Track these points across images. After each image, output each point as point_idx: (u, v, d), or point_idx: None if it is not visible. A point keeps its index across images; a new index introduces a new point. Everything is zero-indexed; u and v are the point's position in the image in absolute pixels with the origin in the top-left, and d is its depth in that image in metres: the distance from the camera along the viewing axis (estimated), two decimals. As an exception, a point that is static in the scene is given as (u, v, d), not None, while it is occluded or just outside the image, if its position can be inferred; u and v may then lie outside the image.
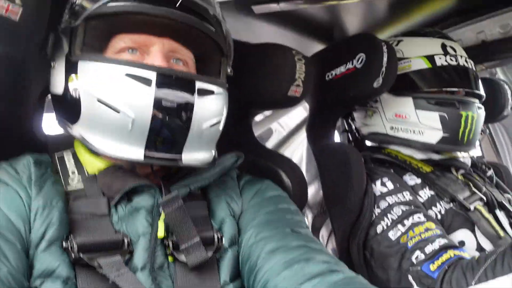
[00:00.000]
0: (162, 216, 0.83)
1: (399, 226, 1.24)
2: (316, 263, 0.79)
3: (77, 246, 0.75)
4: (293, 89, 1.18)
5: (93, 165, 0.89)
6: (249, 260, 0.86)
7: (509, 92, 1.90)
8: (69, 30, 0.84)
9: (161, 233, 0.82)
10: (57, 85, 0.87)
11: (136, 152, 0.80)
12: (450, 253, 1.14)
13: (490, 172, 1.64)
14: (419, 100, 1.47)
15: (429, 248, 1.16)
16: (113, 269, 0.75)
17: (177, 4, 0.82)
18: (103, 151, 0.81)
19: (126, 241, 0.79)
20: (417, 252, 1.16)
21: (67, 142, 0.96)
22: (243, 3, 1.42)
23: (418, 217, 1.25)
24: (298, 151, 2.41)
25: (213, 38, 0.92)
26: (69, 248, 0.75)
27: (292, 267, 0.78)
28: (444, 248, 1.15)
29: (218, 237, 0.87)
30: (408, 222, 1.24)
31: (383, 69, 1.35)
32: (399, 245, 1.21)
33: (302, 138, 2.34)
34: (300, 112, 2.47)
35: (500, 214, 1.38)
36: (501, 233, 1.29)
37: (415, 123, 1.47)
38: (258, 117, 2.51)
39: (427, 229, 1.20)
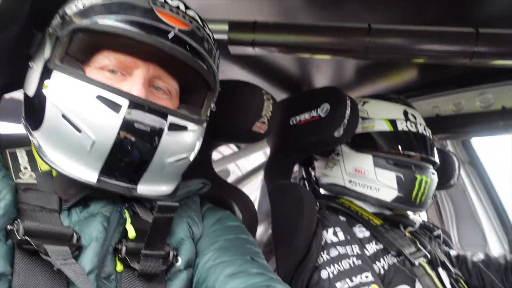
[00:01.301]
0: (128, 220, 0.82)
1: (347, 280, 1.25)
2: None
3: (24, 229, 0.70)
4: (258, 125, 1.19)
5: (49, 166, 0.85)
6: (206, 282, 0.85)
7: (456, 163, 2.03)
8: (55, 37, 0.82)
9: (132, 233, 0.81)
10: (30, 87, 0.84)
11: (89, 175, 0.78)
12: None
13: (438, 232, 1.71)
14: (379, 159, 1.54)
15: None
16: (60, 256, 0.70)
17: (170, 36, 0.81)
18: (57, 167, 0.78)
19: (75, 236, 0.75)
20: None
21: (21, 142, 0.91)
22: (219, 43, 1.46)
23: (366, 276, 1.26)
24: (253, 192, 2.40)
25: (202, 74, 0.90)
26: (15, 230, 0.70)
27: None
28: None
29: (174, 254, 0.85)
30: (356, 280, 1.24)
31: (345, 120, 1.41)
32: None
33: (258, 181, 2.34)
34: (259, 157, 2.50)
35: (442, 273, 1.44)
36: None
37: (372, 179, 1.53)
38: (216, 156, 2.51)
39: None
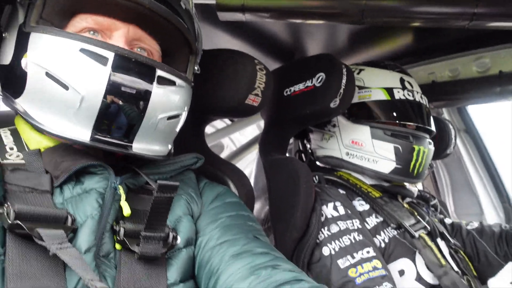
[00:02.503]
0: (123, 197, 0.79)
1: (349, 257, 1.23)
2: (283, 271, 0.77)
3: (14, 213, 0.66)
4: (251, 97, 1.14)
5: (37, 142, 0.81)
6: (209, 263, 0.83)
7: (452, 131, 2.00)
8: (27, 2, 0.78)
9: (127, 211, 0.77)
10: (5, 56, 0.80)
11: (82, 133, 0.74)
12: None
13: (435, 201, 1.70)
14: (376, 130, 1.50)
15: None
16: (55, 241, 0.66)
17: None
18: (46, 129, 0.74)
19: (70, 218, 0.72)
20: None
21: (4, 122, 0.87)
22: (209, 9, 1.39)
23: (367, 251, 1.24)
24: (248, 166, 2.37)
25: (183, 32, 0.88)
26: (5, 214, 0.66)
27: (260, 273, 0.76)
28: None
29: (173, 236, 0.82)
30: (357, 256, 1.23)
31: (341, 90, 1.37)
32: (348, 277, 1.20)
33: (252, 155, 2.30)
34: (253, 130, 2.45)
35: (441, 243, 1.42)
36: (443, 261, 1.31)
37: (370, 151, 1.50)
38: (209, 130, 2.46)
39: (374, 268, 1.20)
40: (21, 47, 0.76)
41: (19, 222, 0.66)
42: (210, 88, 1.17)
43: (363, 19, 1.34)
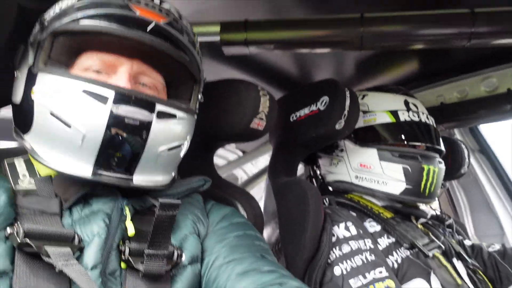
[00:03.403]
0: (128, 217, 0.82)
1: (360, 277, 1.21)
2: None
3: (24, 232, 0.69)
4: (256, 121, 1.17)
5: (48, 170, 0.84)
6: (216, 281, 0.84)
7: (465, 151, 1.98)
8: (37, 43, 0.83)
9: (131, 231, 0.80)
10: (17, 95, 0.85)
11: (84, 169, 0.78)
12: None
13: (450, 221, 1.67)
14: (384, 152, 1.50)
15: None
16: (61, 258, 0.69)
17: (149, 28, 0.82)
18: (50, 165, 0.78)
19: (77, 237, 0.75)
20: None
21: (20, 153, 0.92)
22: (212, 45, 1.46)
23: (380, 271, 1.22)
24: (259, 192, 2.38)
25: (185, 65, 0.92)
26: (15, 233, 0.70)
27: None
28: None
29: (178, 254, 0.84)
30: (369, 276, 1.21)
31: (345, 112, 1.39)
32: None
33: (263, 181, 2.32)
34: (265, 161, 2.48)
35: (458, 264, 1.39)
36: (459, 281, 1.27)
37: (379, 173, 1.50)
38: (221, 162, 2.50)
39: None
40: (29, 87, 0.80)
41: (28, 240, 0.69)
42: (215, 114, 1.21)
43: (362, 45, 1.38)
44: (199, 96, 0.99)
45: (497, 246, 1.66)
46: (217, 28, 1.42)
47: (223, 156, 2.48)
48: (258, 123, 1.18)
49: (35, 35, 0.85)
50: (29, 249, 0.70)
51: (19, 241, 0.69)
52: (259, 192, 2.38)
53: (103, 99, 0.76)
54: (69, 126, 0.76)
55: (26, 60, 0.85)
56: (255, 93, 1.17)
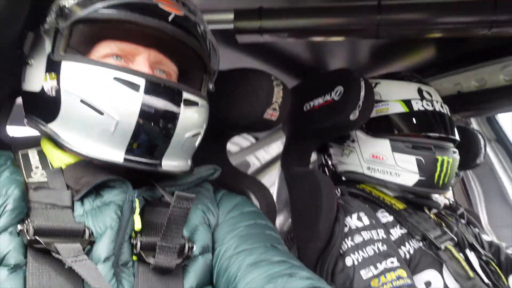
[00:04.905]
0: (137, 210, 0.82)
1: (372, 267, 1.21)
2: (299, 278, 0.77)
3: (34, 229, 0.71)
4: (269, 112, 1.17)
5: (60, 160, 0.86)
6: (227, 272, 0.85)
7: (482, 142, 1.95)
8: (54, 31, 0.83)
9: (138, 225, 0.81)
10: (34, 83, 0.85)
11: (115, 155, 0.80)
12: None
13: (461, 210, 1.65)
14: (396, 142, 1.48)
15: None
16: (71, 254, 0.70)
17: (170, 19, 0.84)
18: (80, 151, 0.79)
19: (87, 231, 0.76)
20: None
21: (34, 143, 0.93)
22: (226, 33, 1.44)
23: (391, 261, 1.22)
24: (271, 179, 2.39)
25: (199, 54, 0.94)
26: (25, 230, 0.71)
27: (276, 281, 0.77)
28: None
29: (188, 247, 0.84)
30: (381, 266, 1.21)
31: (360, 102, 1.37)
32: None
33: (276, 169, 2.32)
34: (277, 147, 2.47)
35: (471, 255, 1.38)
36: (471, 273, 1.27)
37: (392, 165, 1.48)
38: (234, 149, 2.50)
39: (398, 277, 1.18)
40: (53, 75, 0.80)
41: (37, 237, 0.70)
42: (228, 104, 1.21)
43: (379, 33, 1.36)
44: (211, 86, 1.00)
45: None
46: (230, 16, 1.41)
47: (236, 142, 2.48)
48: (272, 114, 1.18)
49: (52, 22, 0.84)
50: (39, 246, 0.71)
51: (28, 238, 0.70)
52: (271, 179, 2.39)
53: (135, 87, 0.78)
54: (101, 113, 0.77)
55: (40, 48, 0.85)
56: (268, 83, 1.16)
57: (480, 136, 1.95)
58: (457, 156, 1.52)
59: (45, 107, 0.83)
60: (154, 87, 0.79)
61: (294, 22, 1.41)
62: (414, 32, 1.39)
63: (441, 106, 1.53)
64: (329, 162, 1.75)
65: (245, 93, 1.18)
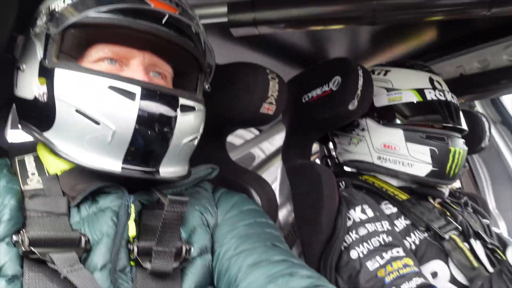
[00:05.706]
0: (132, 216, 0.82)
1: (378, 258, 1.21)
2: (300, 277, 0.77)
3: (28, 240, 0.71)
4: (265, 106, 1.16)
5: (56, 166, 0.86)
6: (228, 273, 0.85)
7: (486, 124, 1.92)
8: (45, 36, 0.81)
9: (132, 232, 0.80)
10: (26, 90, 0.84)
11: (113, 164, 0.79)
12: None
13: (465, 199, 1.63)
14: (410, 132, 1.45)
15: (405, 286, 1.13)
16: (66, 264, 0.71)
17: (163, 21, 0.82)
18: (78, 161, 0.79)
19: (83, 239, 0.76)
20: None
21: (31, 149, 0.93)
22: (222, 26, 1.42)
23: (397, 251, 1.22)
24: (274, 173, 2.38)
25: (194, 55, 0.92)
26: (20, 241, 0.71)
27: (277, 281, 0.76)
28: None
29: (186, 249, 0.84)
30: (387, 256, 1.21)
31: (359, 92, 1.35)
32: (377, 278, 1.18)
33: (278, 161, 2.32)
34: (281, 138, 2.46)
35: (476, 244, 1.36)
36: (475, 264, 1.26)
37: (404, 155, 1.45)
38: (238, 141, 2.50)
39: (405, 265, 1.18)
40: (46, 83, 0.79)
41: (32, 248, 0.70)
42: (225, 100, 1.20)
43: (375, 19, 1.33)
44: (206, 86, 0.99)
45: None
46: (224, 9, 1.39)
47: (240, 135, 2.48)
48: (268, 108, 1.17)
49: (42, 26, 0.82)
50: (34, 256, 0.71)
51: (24, 249, 0.70)
52: (276, 172, 2.39)
53: (130, 95, 0.76)
54: (97, 123, 0.76)
55: (32, 53, 0.83)
56: (263, 77, 1.15)
57: (484, 119, 1.93)
58: (466, 148, 1.51)
59: (39, 116, 0.82)
60: (150, 95, 0.78)
61: (288, 12, 1.38)
62: (410, 17, 1.36)
63: (452, 97, 1.51)
64: (332, 153, 1.73)
65: (241, 88, 1.17)
